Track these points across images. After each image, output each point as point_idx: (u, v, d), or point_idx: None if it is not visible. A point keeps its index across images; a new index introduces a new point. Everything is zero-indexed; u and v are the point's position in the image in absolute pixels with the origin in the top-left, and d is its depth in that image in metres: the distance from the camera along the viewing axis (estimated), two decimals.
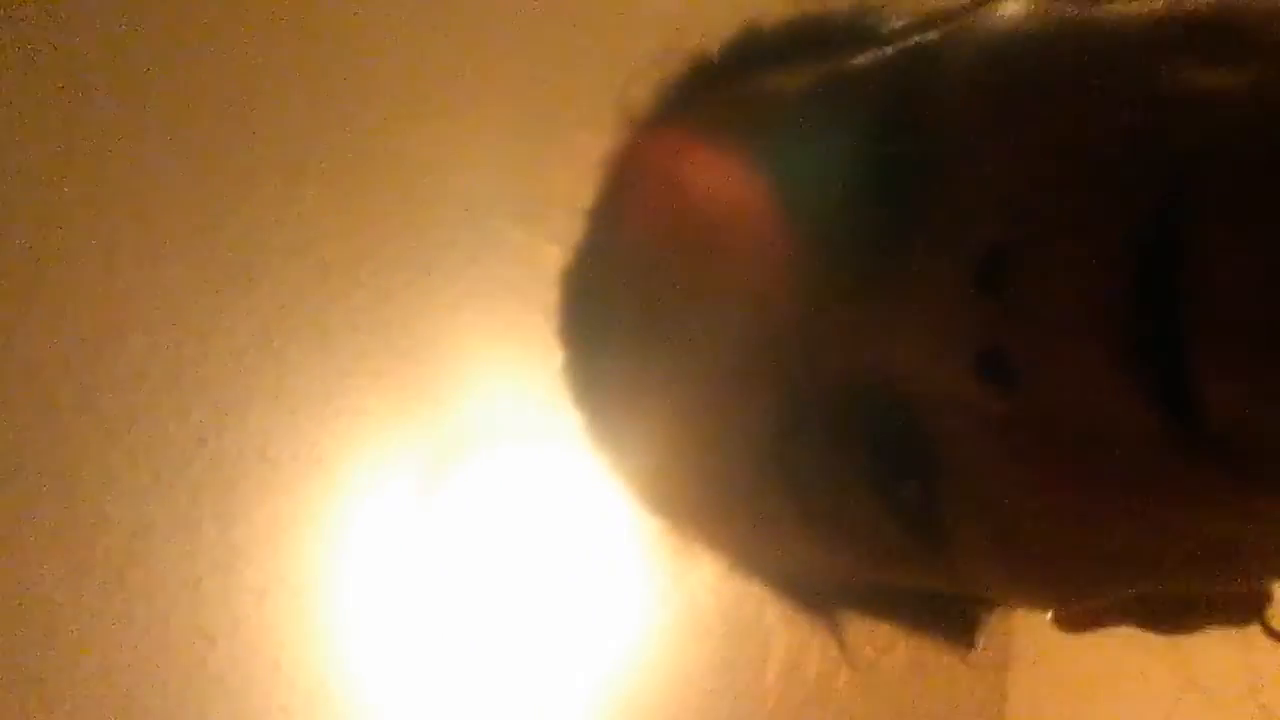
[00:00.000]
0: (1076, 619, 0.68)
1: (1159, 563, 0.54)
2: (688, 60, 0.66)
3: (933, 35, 0.57)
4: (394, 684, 1.76)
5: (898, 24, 0.61)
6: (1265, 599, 0.66)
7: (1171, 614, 0.66)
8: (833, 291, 0.53)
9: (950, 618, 0.68)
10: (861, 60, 0.58)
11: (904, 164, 0.52)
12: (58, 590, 1.59)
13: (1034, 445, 0.50)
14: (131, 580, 1.63)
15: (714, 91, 0.64)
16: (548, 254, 0.67)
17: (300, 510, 1.70)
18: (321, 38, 1.72)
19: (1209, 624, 0.67)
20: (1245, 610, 0.66)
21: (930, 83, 0.54)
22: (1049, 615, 0.68)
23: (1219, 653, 0.69)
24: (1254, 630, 0.65)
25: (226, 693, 1.67)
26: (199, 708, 1.66)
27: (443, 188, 1.67)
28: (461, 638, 1.75)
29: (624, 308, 0.62)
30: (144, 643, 1.63)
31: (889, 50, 0.57)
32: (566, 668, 1.79)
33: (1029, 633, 0.66)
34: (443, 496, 1.67)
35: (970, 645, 0.70)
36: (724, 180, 0.58)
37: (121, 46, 1.65)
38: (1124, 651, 0.68)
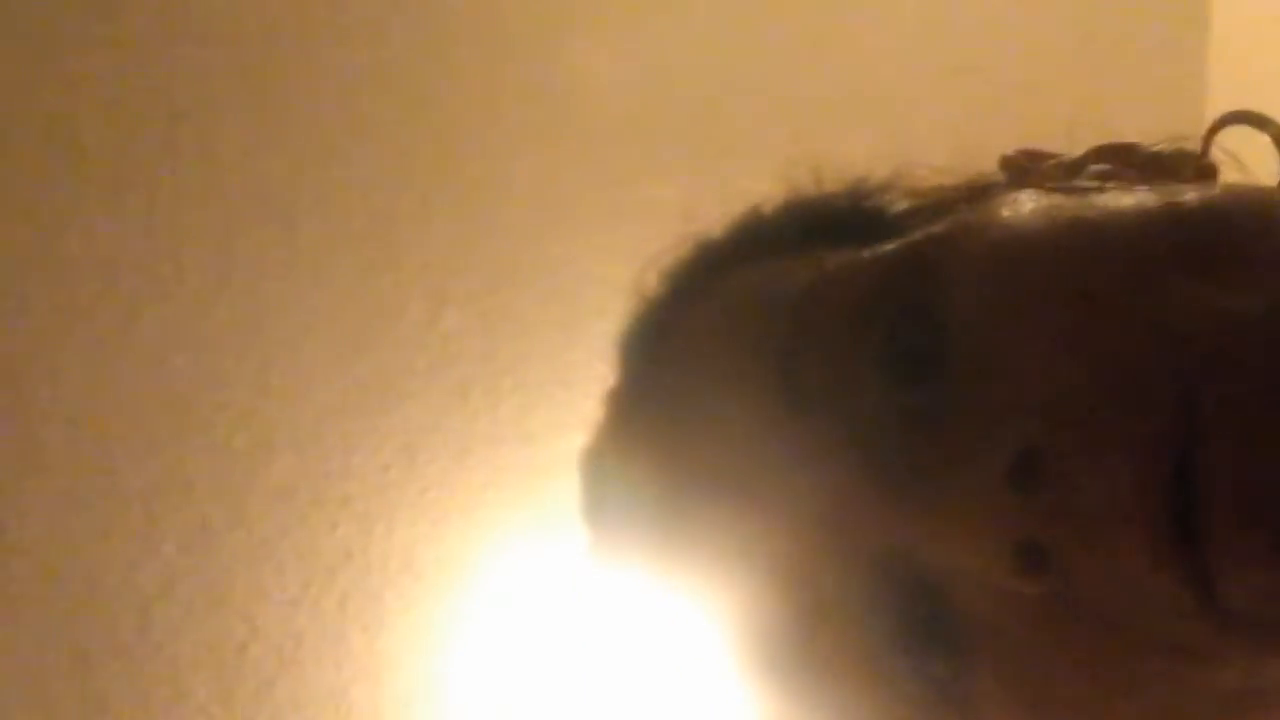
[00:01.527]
0: None
1: None
2: (694, 246, 0.67)
3: (939, 227, 0.57)
4: None
5: (900, 208, 0.62)
6: None
7: None
8: (862, 486, 0.54)
9: None
10: (870, 253, 0.58)
11: (924, 358, 0.54)
12: (211, 701, 1.64)
13: (1069, 626, 0.52)
14: (281, 690, 1.66)
15: (719, 279, 0.64)
16: None
17: (444, 620, 1.72)
18: (460, 166, 1.76)
19: None
20: None
21: (944, 277, 0.55)
22: None
23: None
24: None
25: None
26: None
27: (580, 304, 1.69)
28: None
29: (646, 493, 0.62)
30: None
31: (898, 243, 0.57)
32: None
33: None
34: (587, 606, 1.67)
35: None
36: (741, 373, 0.58)
37: (273, 180, 1.71)
38: None
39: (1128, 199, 0.56)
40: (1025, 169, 0.62)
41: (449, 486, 1.74)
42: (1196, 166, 0.61)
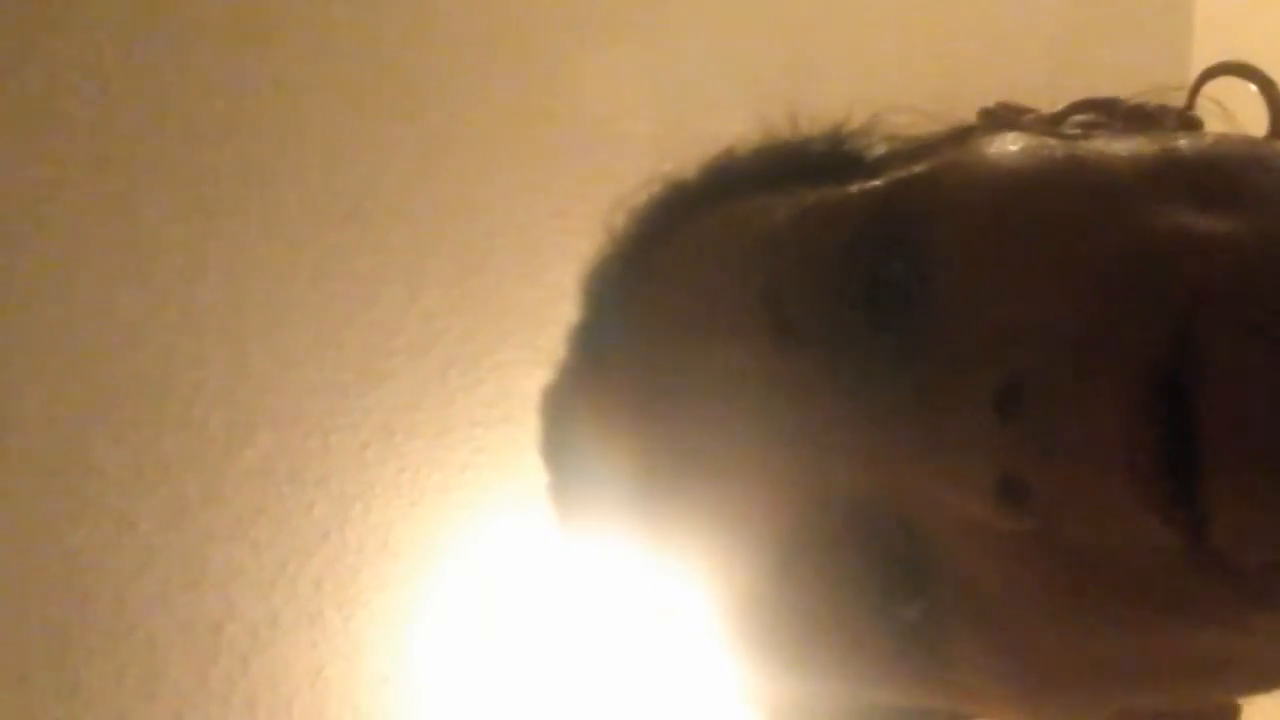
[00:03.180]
0: None
1: (1155, 677, 0.54)
2: (666, 186, 0.64)
3: (922, 167, 0.55)
4: None
5: (881, 152, 0.60)
6: (1234, 713, 0.62)
7: None
8: (846, 420, 0.52)
9: None
10: (853, 189, 0.56)
11: (908, 290, 0.52)
12: (185, 678, 1.62)
13: (1048, 564, 0.50)
14: (256, 668, 1.64)
15: (694, 217, 0.61)
16: None
17: (421, 600, 1.70)
18: (440, 147, 1.74)
19: None
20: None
21: (929, 212, 0.53)
22: None
23: None
24: None
25: None
26: None
27: (561, 284, 1.67)
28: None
29: (619, 433, 0.59)
30: None
31: (881, 180, 0.56)
32: None
33: None
34: (566, 587, 1.65)
35: None
36: (717, 302, 0.56)
37: (253, 160, 1.69)
38: None
39: (1114, 143, 0.54)
40: (1006, 120, 0.60)
41: (427, 467, 1.71)
42: (1181, 118, 0.58)
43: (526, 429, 1.67)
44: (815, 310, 0.53)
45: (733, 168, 0.63)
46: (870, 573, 0.53)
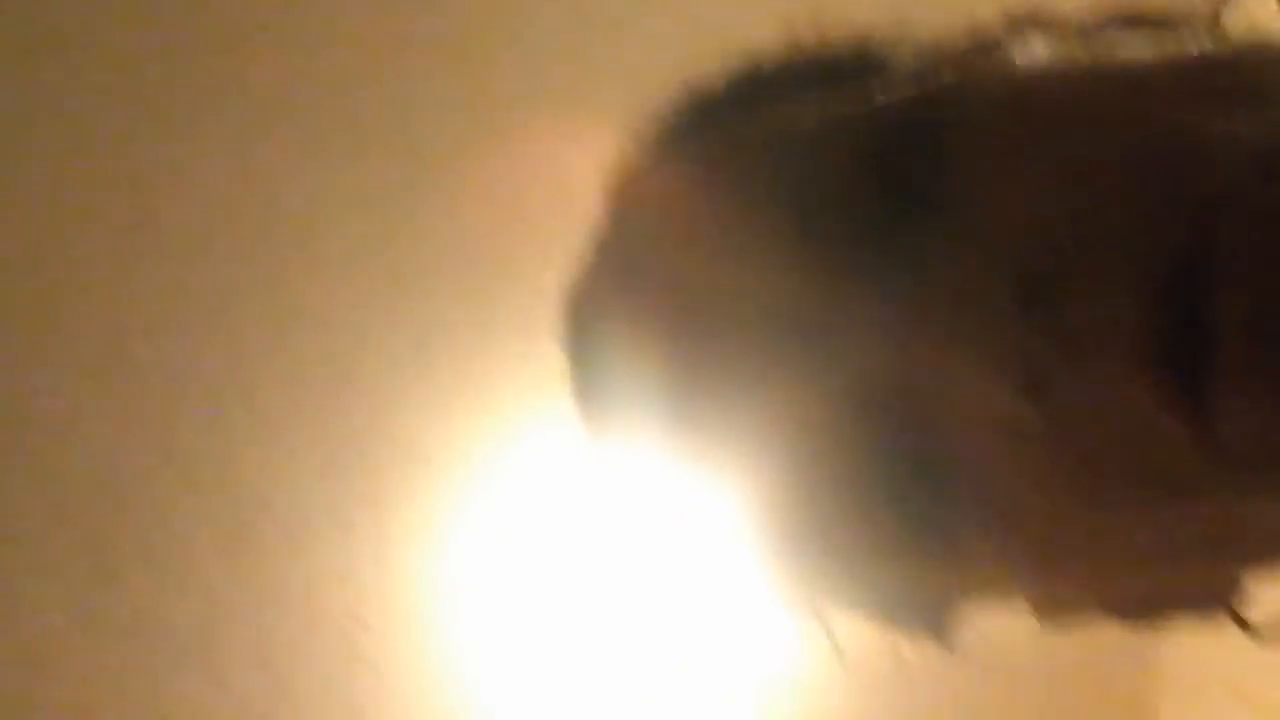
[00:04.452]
0: (1055, 613, 0.66)
1: (1161, 558, 0.55)
2: (692, 92, 0.64)
3: (949, 78, 0.56)
4: (541, 672, 1.75)
5: (908, 63, 0.60)
6: (1237, 591, 0.62)
7: (1146, 608, 0.64)
8: (866, 307, 0.53)
9: (935, 614, 0.66)
10: (880, 99, 0.56)
11: (932, 190, 0.52)
12: (216, 575, 1.63)
13: (1064, 453, 0.51)
14: (288, 567, 1.65)
15: (721, 124, 0.61)
16: None
17: (450, 505, 1.71)
18: (479, 59, 1.73)
19: (1182, 618, 0.64)
20: (1217, 603, 0.63)
21: (956, 118, 0.54)
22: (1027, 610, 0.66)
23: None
24: None
25: (378, 676, 1.69)
26: (349, 690, 1.68)
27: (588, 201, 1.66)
28: (611, 630, 1.73)
29: (650, 327, 0.59)
30: (298, 626, 1.66)
31: (908, 89, 0.56)
32: (707, 658, 1.76)
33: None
34: (593, 493, 1.66)
35: (950, 640, 0.68)
36: (746, 206, 0.57)
37: (294, 74, 1.68)
38: None
39: (1139, 51, 0.55)
40: (1032, 29, 0.60)
41: (459, 376, 1.72)
42: (1208, 26, 0.58)
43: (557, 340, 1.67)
44: (841, 210, 0.54)
45: (760, 76, 0.63)
46: (887, 460, 0.54)
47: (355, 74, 1.71)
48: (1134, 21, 0.60)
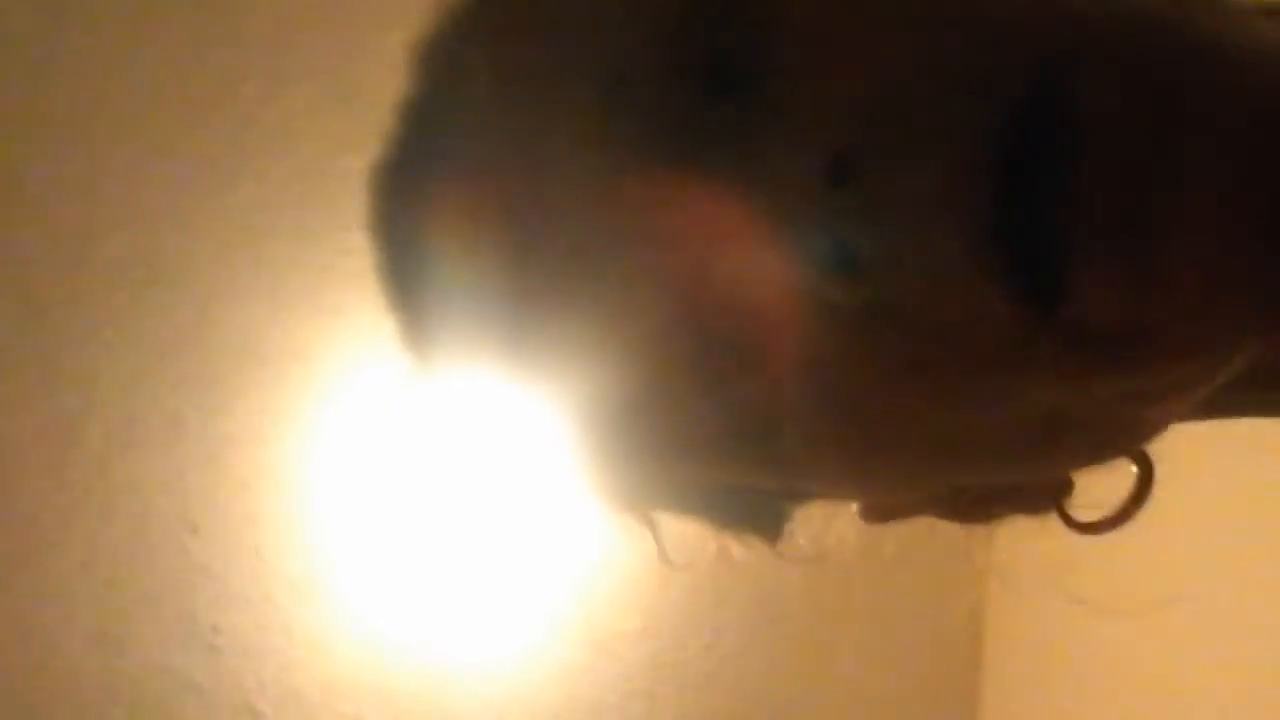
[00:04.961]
0: (882, 510, 0.63)
1: (990, 450, 0.52)
2: None
3: None
4: (372, 572, 1.72)
5: None
6: (1066, 488, 0.60)
7: (975, 505, 0.62)
8: (683, 196, 0.50)
9: (762, 513, 0.65)
10: None
11: (748, 61, 0.49)
12: (41, 480, 1.57)
13: (879, 335, 0.48)
14: (115, 472, 1.60)
15: None
16: None
17: (283, 403, 1.66)
18: None
19: (1010, 514, 0.62)
20: (1046, 499, 0.60)
21: None
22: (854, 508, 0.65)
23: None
24: None
25: (211, 580, 1.65)
26: (183, 595, 1.64)
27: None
28: (437, 527, 1.70)
29: (474, 199, 0.55)
30: (128, 532, 1.60)
31: None
32: (536, 557, 1.75)
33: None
34: (422, 389, 1.61)
35: (778, 538, 0.66)
36: (556, 81, 0.53)
37: None
38: None
39: None
40: None
41: (289, 267, 1.66)
42: None
43: None
44: (652, 86, 0.50)
45: None
46: (716, 354, 0.51)
47: None
48: None
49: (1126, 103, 0.44)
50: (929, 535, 0.66)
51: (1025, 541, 0.64)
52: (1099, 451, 0.57)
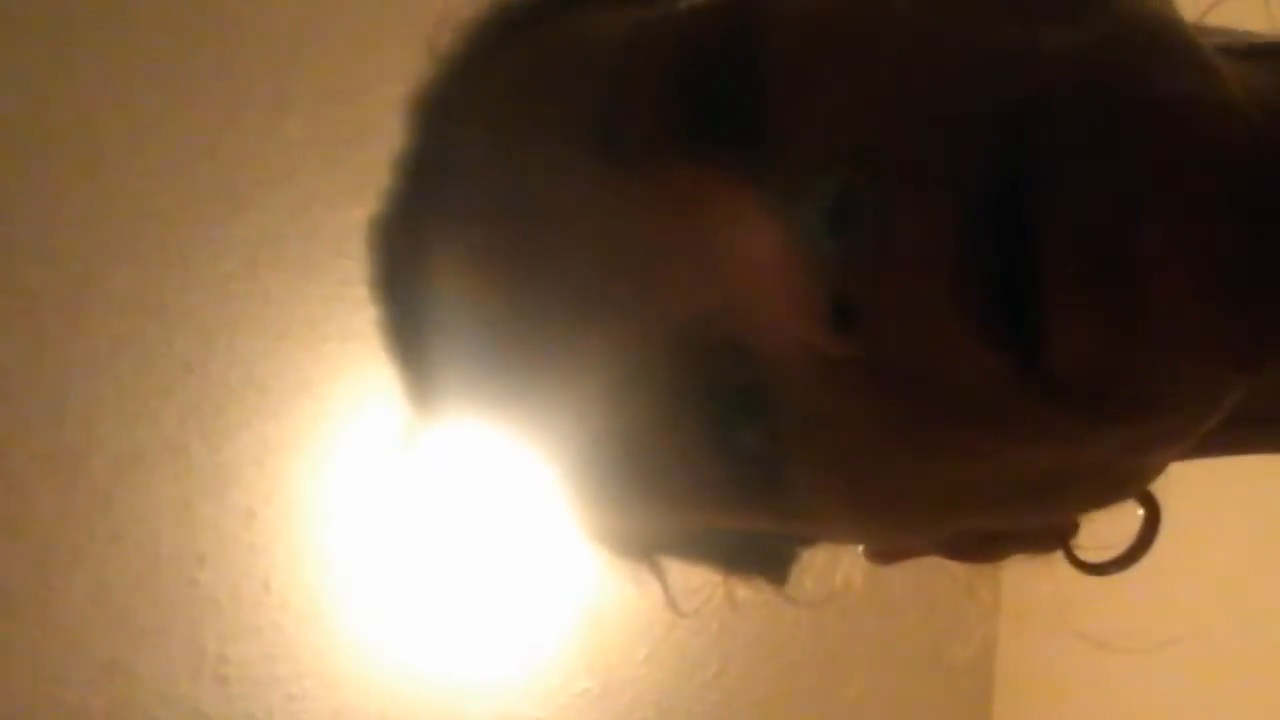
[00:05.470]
0: (889, 552, 0.63)
1: (991, 499, 0.52)
2: (494, 2, 0.59)
3: None
4: (379, 601, 1.72)
5: None
6: (1072, 530, 0.60)
7: (981, 546, 0.62)
8: (673, 238, 0.49)
9: (768, 557, 0.64)
10: (683, 3, 0.52)
11: (739, 109, 0.49)
12: (49, 512, 1.57)
13: (879, 389, 0.48)
14: (121, 502, 1.60)
15: (527, 36, 0.57)
16: None
17: (287, 433, 1.66)
18: None
19: (1016, 554, 0.62)
20: (1053, 540, 0.61)
21: (763, 23, 0.50)
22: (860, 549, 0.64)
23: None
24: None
25: (217, 610, 1.65)
26: (190, 625, 1.63)
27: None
28: (445, 556, 1.70)
29: (452, 260, 0.56)
30: (135, 562, 1.61)
31: None
32: (543, 587, 1.74)
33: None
34: (428, 420, 1.61)
35: (784, 581, 0.66)
36: (550, 130, 0.53)
37: None
38: None
39: None
40: None
41: (292, 298, 1.66)
42: None
43: None
44: (646, 133, 0.50)
45: None
46: (708, 399, 0.51)
47: None
48: None
49: (1096, 153, 0.44)
50: (937, 573, 0.67)
51: (1034, 580, 0.65)
52: (1100, 499, 0.56)
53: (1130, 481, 0.56)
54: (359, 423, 1.68)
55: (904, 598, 0.64)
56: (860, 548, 0.65)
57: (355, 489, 1.69)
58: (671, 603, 0.68)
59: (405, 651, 1.73)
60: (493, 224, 0.55)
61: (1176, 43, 0.48)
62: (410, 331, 0.60)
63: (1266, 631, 1.63)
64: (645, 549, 0.65)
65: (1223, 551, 1.60)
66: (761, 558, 0.65)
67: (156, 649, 1.63)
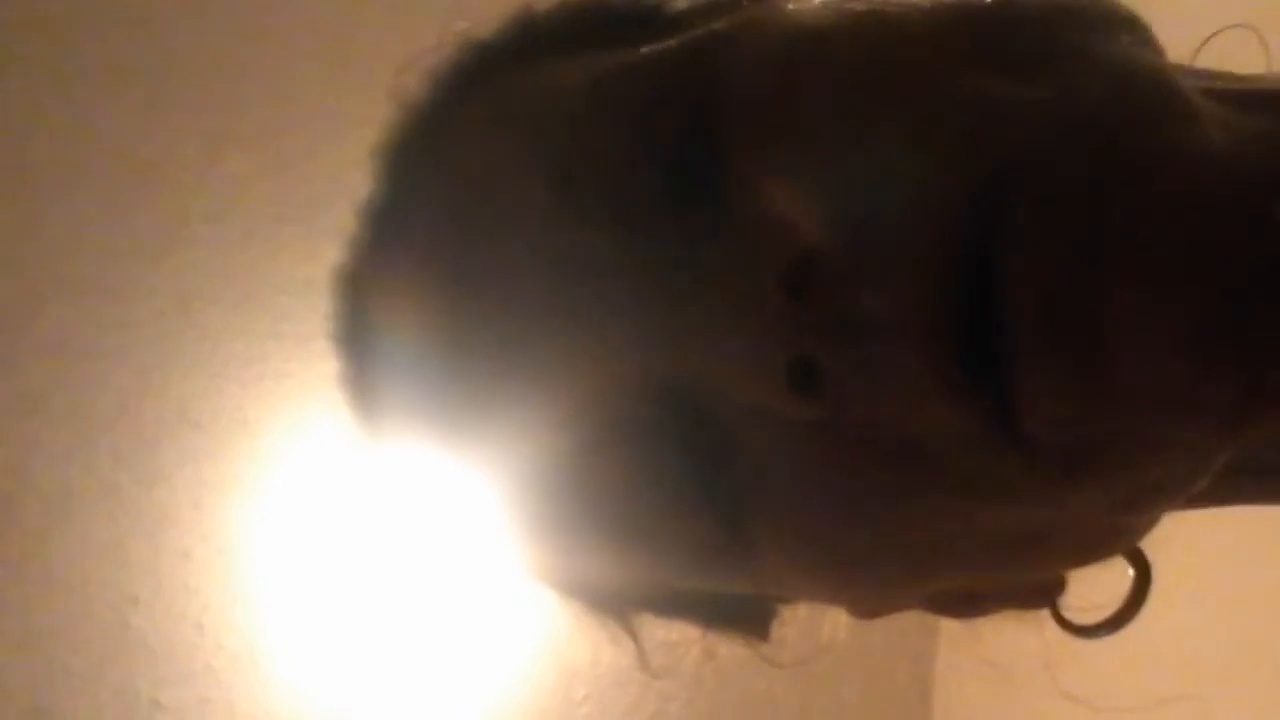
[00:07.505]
0: (870, 608, 0.62)
1: (966, 558, 0.52)
2: (462, 47, 0.59)
3: (721, 24, 0.52)
4: (316, 644, 1.69)
5: (680, 5, 0.56)
6: (1059, 587, 0.59)
7: (965, 603, 0.61)
8: (634, 299, 0.49)
9: (745, 614, 0.64)
10: (648, 51, 0.52)
11: (704, 171, 0.48)
12: None
13: (843, 451, 0.47)
14: (54, 544, 1.56)
15: (489, 84, 0.57)
16: None
17: (223, 472, 1.63)
18: (243, 5, 1.63)
19: (1000, 611, 0.61)
20: (1038, 597, 0.60)
21: (724, 78, 0.49)
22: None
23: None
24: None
25: (150, 654, 1.61)
26: (123, 670, 1.60)
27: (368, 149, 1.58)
28: (383, 599, 1.68)
29: (415, 313, 0.55)
30: (67, 605, 1.56)
31: (677, 41, 0.51)
32: (484, 630, 1.73)
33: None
34: (365, 459, 1.59)
35: (765, 638, 0.65)
36: (512, 180, 0.52)
37: (47, 14, 1.56)
38: None
39: (919, 3, 0.49)
40: None
41: (229, 336, 1.63)
42: None
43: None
44: (608, 189, 0.50)
45: (531, 28, 0.59)
46: (670, 459, 0.50)
47: (111, 7, 1.59)
48: None
49: (1065, 215, 0.43)
50: (919, 630, 0.65)
51: (1020, 637, 0.64)
52: (1083, 556, 0.56)
53: (1115, 539, 0.56)
54: (297, 462, 1.65)
55: (883, 653, 0.63)
56: (841, 604, 0.64)
57: (293, 529, 1.66)
58: (644, 662, 0.67)
59: (343, 696, 1.70)
60: (445, 270, 0.54)
61: (1153, 91, 0.47)
62: (360, 376, 0.59)
63: (1263, 690, 1.62)
64: (618, 608, 0.63)
65: (1218, 608, 1.60)
66: (741, 615, 0.64)
67: (86, 694, 1.59)
